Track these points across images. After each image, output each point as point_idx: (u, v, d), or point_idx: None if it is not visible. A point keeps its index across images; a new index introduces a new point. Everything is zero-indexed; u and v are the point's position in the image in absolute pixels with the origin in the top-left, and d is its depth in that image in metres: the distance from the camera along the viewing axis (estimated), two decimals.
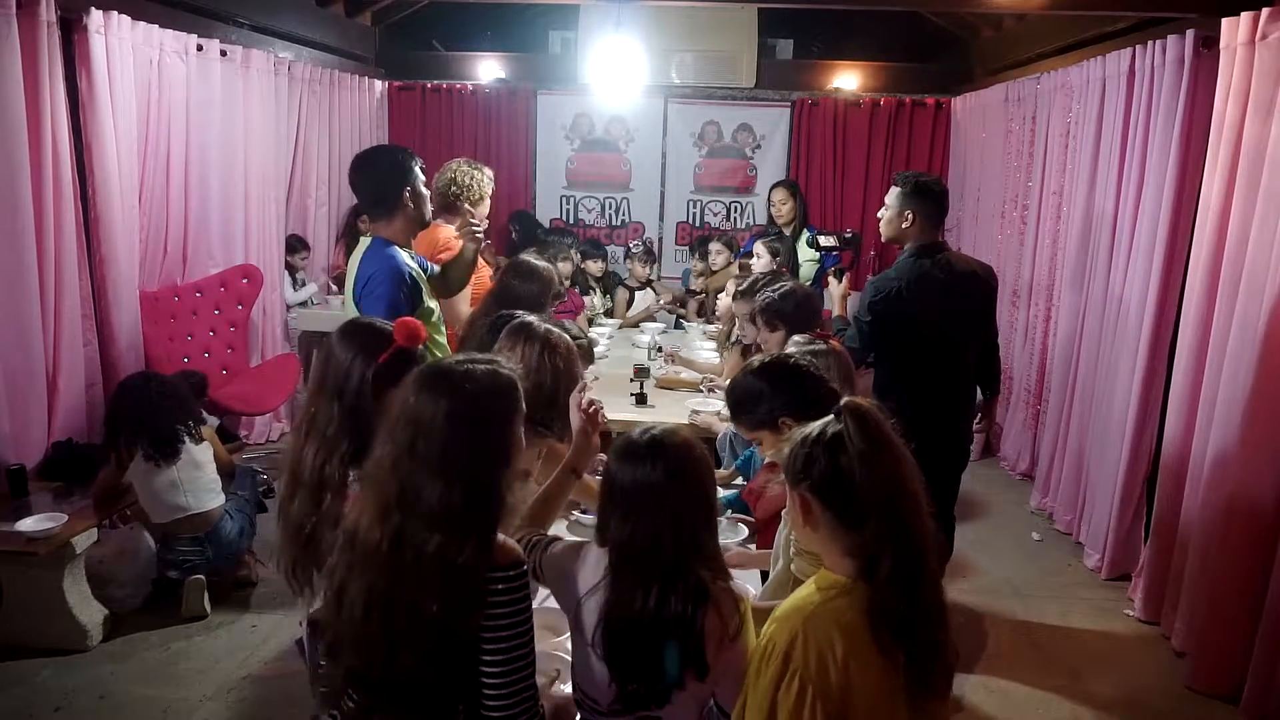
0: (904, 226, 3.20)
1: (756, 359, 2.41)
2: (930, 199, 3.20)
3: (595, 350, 4.85)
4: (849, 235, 4.29)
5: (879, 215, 3.32)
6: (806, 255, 5.10)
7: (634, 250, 6.38)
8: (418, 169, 2.95)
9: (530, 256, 3.50)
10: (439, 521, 1.47)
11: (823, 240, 4.20)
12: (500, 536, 1.54)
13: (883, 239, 3.38)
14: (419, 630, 1.46)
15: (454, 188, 3.75)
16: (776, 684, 1.36)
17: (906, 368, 3.19)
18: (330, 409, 1.89)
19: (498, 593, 1.48)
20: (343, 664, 1.52)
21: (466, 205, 3.58)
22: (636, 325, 5.81)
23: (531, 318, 2.48)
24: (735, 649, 1.57)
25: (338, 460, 1.85)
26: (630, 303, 6.21)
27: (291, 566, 1.90)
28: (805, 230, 5.25)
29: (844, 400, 1.46)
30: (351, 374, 1.89)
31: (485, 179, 3.82)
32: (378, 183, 2.90)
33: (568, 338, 2.48)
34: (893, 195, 3.23)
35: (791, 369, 2.26)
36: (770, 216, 5.69)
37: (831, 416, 1.44)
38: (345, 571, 1.53)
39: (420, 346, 2.01)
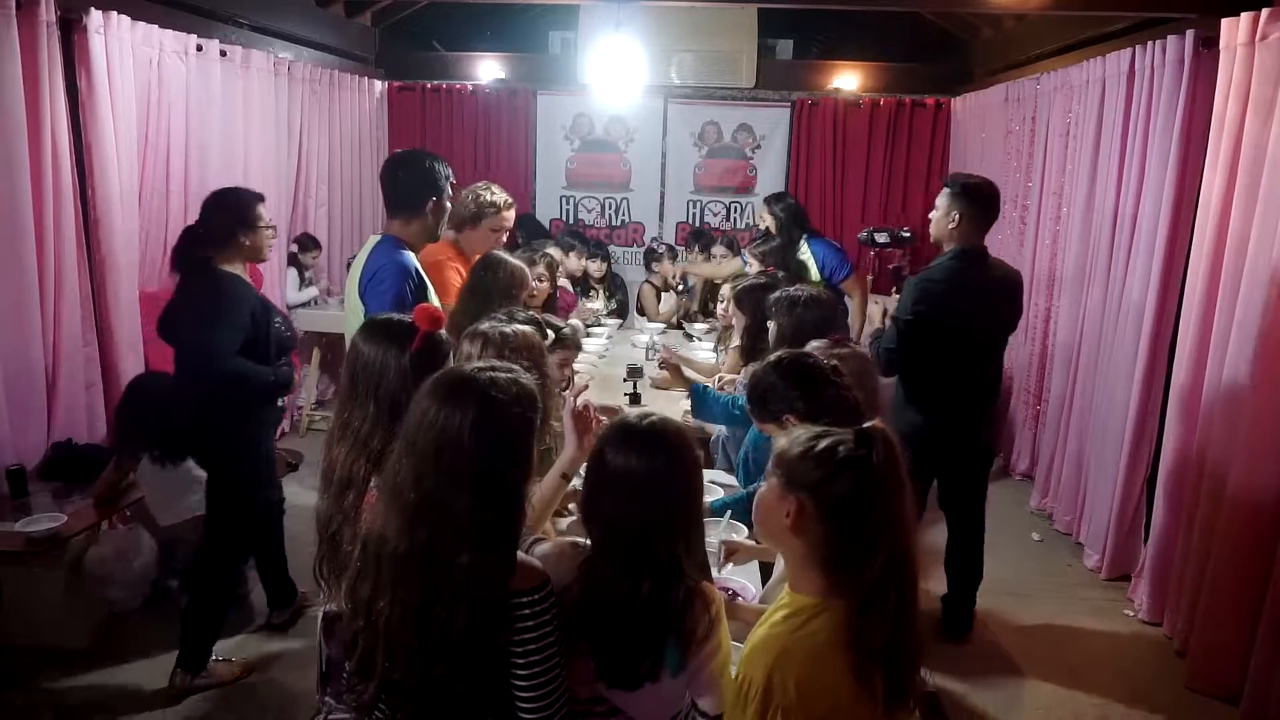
0: (950, 227, 3.24)
1: (781, 353, 2.39)
2: (978, 202, 3.24)
3: (596, 351, 4.86)
4: (906, 234, 4.22)
5: (930, 216, 3.37)
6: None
7: (659, 250, 6.28)
8: (448, 185, 3.00)
9: (500, 251, 3.50)
10: (468, 535, 1.45)
11: (878, 237, 4.17)
12: (521, 555, 1.53)
13: (931, 239, 3.47)
14: (450, 643, 1.45)
15: (473, 206, 3.64)
16: None
17: (940, 370, 3.23)
18: (366, 408, 1.88)
19: (524, 617, 1.47)
20: (375, 676, 1.49)
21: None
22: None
23: (488, 323, 2.43)
24: (706, 649, 1.57)
25: (365, 459, 1.85)
26: (658, 299, 6.15)
27: (319, 563, 1.92)
28: (806, 240, 4.88)
29: (874, 425, 1.44)
30: (387, 368, 1.88)
31: (502, 201, 3.68)
32: (407, 185, 2.95)
33: (531, 334, 2.41)
34: (941, 196, 3.30)
35: (810, 369, 2.26)
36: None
37: (852, 435, 1.42)
38: (372, 585, 1.50)
39: (443, 331, 2.00)
